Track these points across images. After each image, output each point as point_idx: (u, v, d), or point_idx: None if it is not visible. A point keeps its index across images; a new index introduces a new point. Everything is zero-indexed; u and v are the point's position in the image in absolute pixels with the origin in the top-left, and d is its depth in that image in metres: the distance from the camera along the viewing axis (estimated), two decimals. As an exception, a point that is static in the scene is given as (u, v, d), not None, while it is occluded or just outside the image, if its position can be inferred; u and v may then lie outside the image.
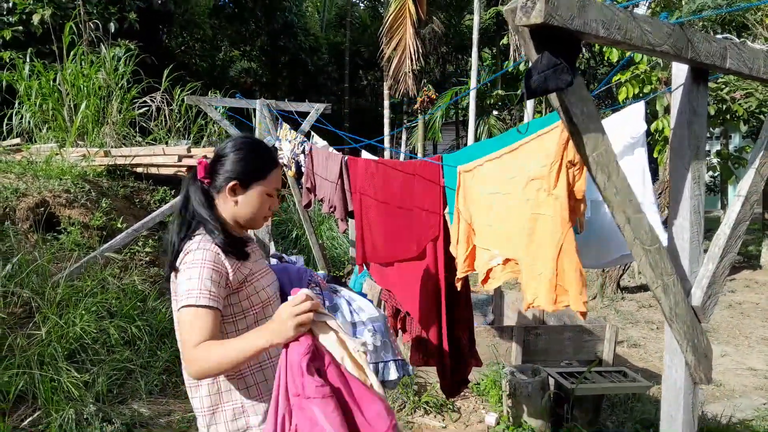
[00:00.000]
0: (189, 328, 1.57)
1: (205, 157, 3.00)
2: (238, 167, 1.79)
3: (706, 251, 1.80)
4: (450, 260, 3.07)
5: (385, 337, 2.25)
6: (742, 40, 1.72)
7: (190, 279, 1.62)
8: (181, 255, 1.69)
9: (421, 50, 14.53)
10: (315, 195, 4.70)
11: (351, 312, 2.19)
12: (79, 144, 7.35)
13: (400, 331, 3.49)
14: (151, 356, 4.43)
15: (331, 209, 4.18)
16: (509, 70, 12.49)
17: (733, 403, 5.19)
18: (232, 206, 1.80)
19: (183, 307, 1.59)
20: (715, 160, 9.78)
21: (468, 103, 13.73)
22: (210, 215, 1.76)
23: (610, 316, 8.63)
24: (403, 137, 17.86)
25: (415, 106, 15.27)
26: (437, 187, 3.08)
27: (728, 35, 1.67)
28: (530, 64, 1.34)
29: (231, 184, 1.78)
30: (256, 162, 1.83)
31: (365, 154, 6.10)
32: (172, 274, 1.71)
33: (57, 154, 6.47)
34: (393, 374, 2.25)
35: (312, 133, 6.20)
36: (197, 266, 1.63)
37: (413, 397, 4.40)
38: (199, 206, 1.76)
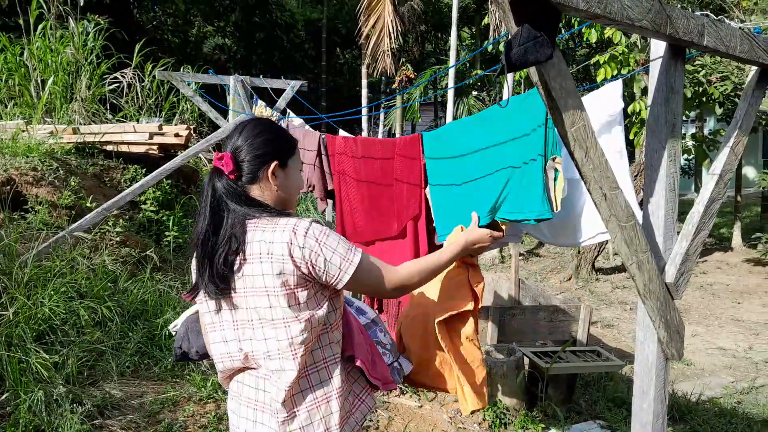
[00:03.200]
0: (376, 271, 1.62)
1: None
2: (271, 148, 1.66)
3: (679, 232, 1.80)
4: (431, 239, 3.05)
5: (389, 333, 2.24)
6: (720, 17, 1.71)
7: (338, 242, 1.56)
8: (285, 232, 1.51)
9: (399, 28, 14.39)
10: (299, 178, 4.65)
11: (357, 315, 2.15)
12: (47, 121, 7.14)
13: (376, 311, 3.48)
14: (122, 338, 4.35)
15: (310, 188, 4.13)
16: (488, 49, 12.44)
17: (703, 382, 5.32)
18: (274, 191, 1.66)
19: (357, 265, 1.56)
20: (690, 143, 9.91)
21: (447, 83, 13.67)
22: (262, 203, 1.62)
23: (584, 297, 8.77)
24: (381, 117, 17.77)
25: (394, 85, 15.17)
26: (418, 163, 3.05)
27: (707, 12, 1.66)
28: (510, 37, 1.31)
29: (272, 166, 1.63)
30: (282, 138, 1.72)
31: (342, 133, 6.04)
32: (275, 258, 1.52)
33: (23, 131, 6.27)
34: (407, 366, 2.23)
35: (288, 110, 6.11)
36: (328, 232, 1.56)
37: (389, 377, 4.41)
38: (245, 200, 1.59)
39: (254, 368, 1.63)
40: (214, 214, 1.57)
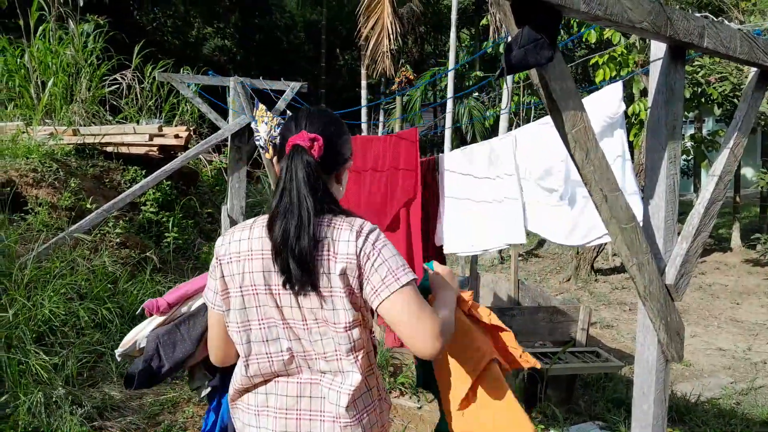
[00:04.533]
0: (419, 301, 1.42)
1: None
2: (348, 147, 1.59)
3: (679, 233, 1.80)
4: (425, 231, 3.06)
5: None
6: (720, 19, 1.71)
7: (395, 255, 1.45)
8: (350, 229, 1.43)
9: (399, 30, 14.40)
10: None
11: None
12: (47, 122, 7.14)
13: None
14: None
15: None
16: (488, 50, 12.45)
17: (702, 383, 5.32)
18: (336, 189, 1.58)
19: (402, 285, 1.40)
20: (689, 144, 9.92)
21: (446, 85, 13.68)
22: (335, 199, 1.53)
23: (583, 298, 8.77)
24: (381, 118, 17.77)
25: (393, 87, 15.17)
26: (413, 146, 3.05)
27: (707, 14, 1.66)
28: (511, 39, 1.31)
29: (348, 165, 1.59)
30: (350, 139, 1.64)
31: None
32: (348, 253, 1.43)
33: (23, 132, 6.27)
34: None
35: (288, 112, 6.11)
36: (387, 242, 1.46)
37: (389, 379, 4.41)
38: (325, 192, 1.48)
39: (292, 375, 1.53)
40: (312, 194, 1.43)
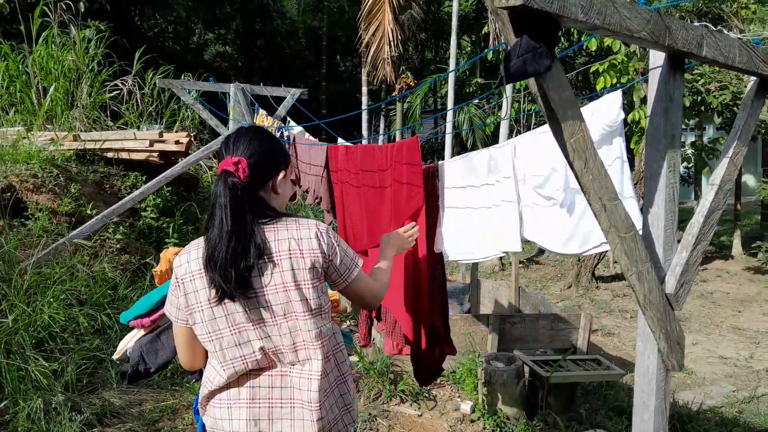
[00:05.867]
0: (368, 280, 1.82)
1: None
2: (281, 159, 1.76)
3: (679, 241, 1.80)
4: (429, 248, 3.05)
5: None
6: (718, 28, 1.71)
7: (347, 246, 1.77)
8: (310, 230, 1.64)
9: (399, 36, 14.44)
10: (299, 187, 4.64)
11: None
12: (48, 128, 7.15)
13: (375, 319, 3.47)
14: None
15: (317, 200, 4.11)
16: (488, 57, 12.47)
17: (704, 391, 5.29)
18: (275, 198, 1.75)
19: (360, 268, 1.77)
20: (689, 152, 9.92)
21: (447, 92, 13.70)
22: (274, 207, 1.71)
23: (584, 305, 8.75)
24: (381, 125, 17.78)
25: (394, 93, 15.19)
26: (418, 168, 3.03)
27: (706, 23, 1.67)
28: (509, 48, 1.32)
29: (282, 175, 1.75)
30: (284, 150, 1.83)
31: (341, 141, 6.04)
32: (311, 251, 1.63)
33: (24, 137, 6.29)
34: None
35: (288, 118, 6.12)
36: (339, 237, 1.76)
37: (389, 386, 4.39)
38: (260, 204, 1.65)
39: (264, 369, 1.66)
40: (237, 216, 1.58)
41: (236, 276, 1.55)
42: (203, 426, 2.00)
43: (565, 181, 2.40)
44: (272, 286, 1.60)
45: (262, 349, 1.63)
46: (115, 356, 2.30)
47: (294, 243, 1.61)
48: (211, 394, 1.70)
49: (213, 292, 1.59)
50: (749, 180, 18.50)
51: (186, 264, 1.67)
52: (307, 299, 1.62)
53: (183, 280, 1.66)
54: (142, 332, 2.22)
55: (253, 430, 1.64)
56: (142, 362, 2.14)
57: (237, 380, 1.67)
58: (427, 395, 4.42)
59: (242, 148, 1.66)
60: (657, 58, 1.72)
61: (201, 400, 1.74)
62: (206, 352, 1.73)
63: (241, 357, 1.64)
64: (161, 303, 2.17)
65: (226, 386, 1.67)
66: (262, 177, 1.68)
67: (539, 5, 1.23)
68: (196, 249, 1.67)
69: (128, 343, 2.24)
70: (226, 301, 1.60)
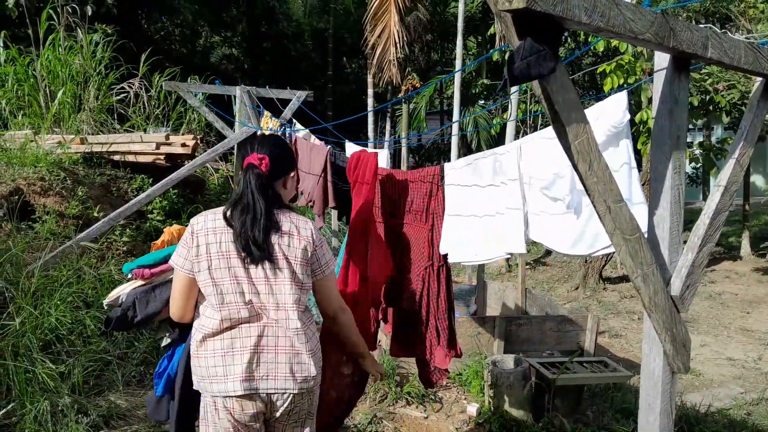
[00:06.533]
0: (334, 286, 2.24)
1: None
2: (294, 161, 2.29)
3: (686, 242, 1.79)
4: (434, 249, 3.05)
5: None
6: (723, 30, 1.70)
7: (327, 247, 2.17)
8: (308, 224, 2.12)
9: (405, 38, 14.42)
10: (297, 188, 4.64)
11: None
12: (55, 131, 7.19)
13: (381, 321, 3.47)
14: (128, 347, 4.36)
15: (309, 203, 4.11)
16: (494, 57, 12.45)
17: (712, 393, 5.26)
18: (284, 192, 2.21)
19: (333, 268, 2.19)
20: (697, 152, 9.85)
21: (453, 92, 13.69)
22: (282, 198, 2.17)
23: (591, 307, 8.71)
24: (387, 126, 17.78)
25: (400, 95, 15.19)
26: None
27: (710, 25, 1.66)
28: (513, 51, 1.31)
29: (292, 174, 2.24)
30: (293, 154, 2.35)
31: (350, 144, 6.03)
32: (301, 242, 2.07)
33: (32, 141, 6.32)
34: None
35: (294, 120, 6.13)
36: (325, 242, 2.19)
37: (395, 388, 4.39)
38: (275, 194, 2.11)
39: (252, 322, 2.03)
40: (263, 196, 2.04)
41: (260, 239, 1.99)
42: (165, 386, 2.47)
43: (571, 184, 2.40)
44: (276, 255, 2.02)
45: (250, 302, 2.02)
46: (106, 301, 2.49)
47: (294, 228, 2.07)
48: (204, 340, 2.03)
49: (231, 251, 2.00)
50: (758, 180, 18.38)
51: (203, 222, 2.06)
52: (294, 272, 2.05)
53: (198, 234, 2.03)
54: (139, 282, 2.44)
55: (247, 372, 1.99)
56: (132, 309, 2.37)
57: (231, 331, 2.01)
58: (433, 397, 4.41)
59: (265, 148, 2.12)
60: (662, 59, 1.72)
61: (194, 347, 2.06)
62: (196, 306, 2.10)
63: (234, 303, 2.00)
64: (164, 260, 2.44)
65: (220, 335, 2.01)
66: (278, 172, 2.14)
67: (542, 8, 1.23)
68: (213, 214, 2.08)
69: (124, 290, 2.44)
70: (232, 257, 2.00)
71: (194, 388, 2.10)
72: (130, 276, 2.50)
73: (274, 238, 2.01)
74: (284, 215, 2.08)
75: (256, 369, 2.00)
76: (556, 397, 4.06)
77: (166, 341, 2.54)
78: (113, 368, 4.11)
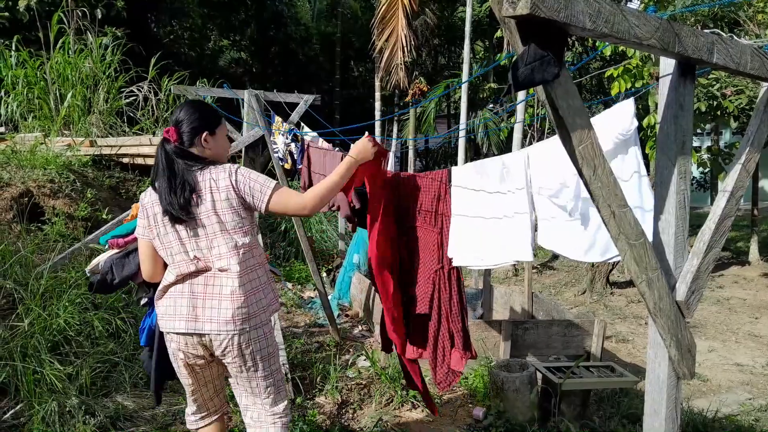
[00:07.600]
0: (286, 195, 2.36)
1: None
2: (203, 122, 2.40)
3: (691, 247, 1.78)
4: (444, 252, 3.05)
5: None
6: (730, 35, 1.70)
7: (258, 176, 2.34)
8: (225, 172, 2.29)
9: (413, 42, 14.42)
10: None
11: None
12: (65, 133, 7.26)
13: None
14: (135, 348, 4.38)
15: (334, 208, 4.06)
16: (501, 62, 12.45)
17: (719, 398, 5.22)
18: (206, 151, 2.40)
19: (274, 189, 2.32)
20: (705, 156, 9.80)
21: (460, 96, 13.69)
22: (200, 158, 2.36)
23: (598, 311, 8.68)
24: (395, 130, 17.80)
25: (407, 99, 15.19)
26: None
27: (716, 30, 1.66)
28: (517, 56, 1.32)
29: (204, 135, 2.39)
30: (210, 115, 2.47)
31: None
32: (218, 186, 2.28)
33: (42, 143, 6.38)
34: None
35: (302, 123, 6.15)
36: (252, 170, 2.36)
37: (401, 392, 4.39)
38: (189, 156, 2.32)
39: (200, 274, 2.33)
40: (170, 168, 2.28)
41: (178, 205, 2.24)
42: (147, 336, 2.82)
43: (580, 189, 2.39)
44: (203, 213, 2.28)
45: (195, 257, 2.32)
46: (87, 268, 2.84)
47: (212, 182, 2.27)
48: (165, 289, 2.40)
49: (167, 218, 2.29)
50: (766, 185, 18.26)
51: (149, 196, 2.40)
52: (224, 222, 2.29)
53: (146, 207, 2.39)
54: (115, 251, 2.77)
55: (191, 315, 2.32)
56: (110, 273, 2.70)
57: (182, 280, 2.35)
58: (439, 401, 4.41)
59: (174, 118, 2.40)
60: (667, 65, 1.72)
61: (156, 294, 2.43)
62: (164, 267, 2.44)
63: (183, 261, 2.34)
64: (134, 230, 2.71)
65: (175, 283, 2.36)
66: (190, 137, 2.36)
67: (546, 14, 1.23)
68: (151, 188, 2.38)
69: (102, 258, 2.78)
70: (168, 223, 2.30)
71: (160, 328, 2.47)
72: (106, 246, 2.86)
73: (196, 198, 2.26)
74: (205, 173, 2.28)
75: (201, 313, 2.30)
76: (563, 402, 4.05)
77: (144, 300, 2.91)
78: (121, 369, 4.14)
